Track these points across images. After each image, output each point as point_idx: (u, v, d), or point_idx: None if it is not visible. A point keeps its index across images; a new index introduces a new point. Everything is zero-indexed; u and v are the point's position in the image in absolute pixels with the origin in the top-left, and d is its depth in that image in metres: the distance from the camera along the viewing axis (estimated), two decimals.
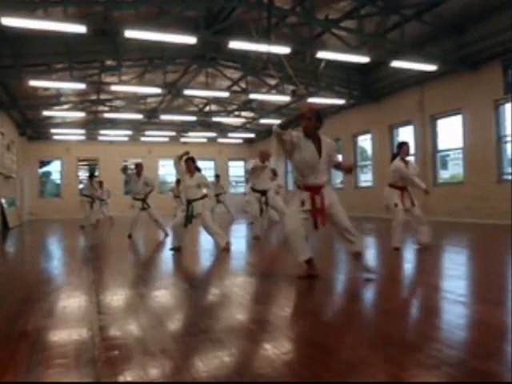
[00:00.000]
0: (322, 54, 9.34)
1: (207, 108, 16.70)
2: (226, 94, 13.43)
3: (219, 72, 12.93)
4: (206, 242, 8.63)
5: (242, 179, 22.52)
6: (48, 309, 3.25)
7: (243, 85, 13.44)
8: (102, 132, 18.78)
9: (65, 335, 2.65)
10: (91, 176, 14.36)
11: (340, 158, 4.14)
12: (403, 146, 5.95)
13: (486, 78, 10.16)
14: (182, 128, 19.43)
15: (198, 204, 6.29)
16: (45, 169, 21.35)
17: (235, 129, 20.03)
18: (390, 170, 5.91)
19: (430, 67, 10.00)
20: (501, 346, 2.33)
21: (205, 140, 21.64)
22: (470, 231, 8.99)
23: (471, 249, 6.76)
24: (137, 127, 18.75)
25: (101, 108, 16.18)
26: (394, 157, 6.02)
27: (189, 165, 6.40)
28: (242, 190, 21.04)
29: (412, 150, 12.70)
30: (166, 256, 6.16)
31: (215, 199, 14.03)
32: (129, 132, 18.99)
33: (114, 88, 11.97)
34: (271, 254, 6.59)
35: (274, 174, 10.40)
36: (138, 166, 8.73)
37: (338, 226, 4.05)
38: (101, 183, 14.94)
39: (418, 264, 5.33)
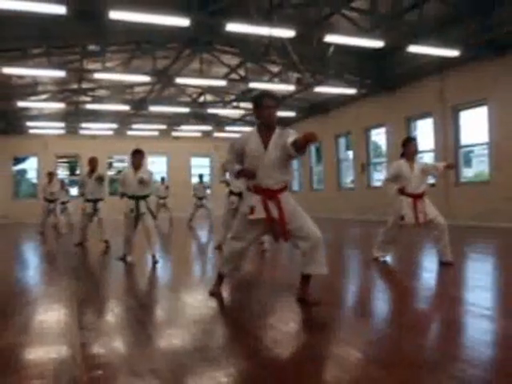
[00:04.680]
0: (330, 38, 9.32)
1: (202, 98, 16.68)
2: (222, 83, 13.41)
3: (215, 58, 12.93)
4: (196, 250, 8.65)
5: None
6: (23, 324, 3.26)
7: (242, 72, 13.44)
8: (83, 125, 18.76)
9: (42, 353, 2.66)
10: (50, 173, 13.07)
11: (293, 136, 3.46)
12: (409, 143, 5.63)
13: None
14: (174, 121, 19.43)
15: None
16: (19, 166, 21.35)
17: (233, 122, 20.04)
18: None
19: (452, 52, 9.98)
20: None
21: (199, 134, 21.64)
22: (497, 237, 8.99)
23: (498, 256, 6.76)
24: (123, 120, 18.75)
25: (82, 98, 16.16)
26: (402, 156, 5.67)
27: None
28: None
29: (431, 145, 12.73)
30: (156, 264, 6.15)
31: (197, 203, 14.14)
32: (114, 125, 18.98)
33: (97, 76, 11.96)
34: (271, 263, 6.59)
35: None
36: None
37: (300, 244, 3.60)
38: (62, 182, 14.80)
39: (438, 274, 5.33)
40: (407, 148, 5.55)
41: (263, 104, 3.61)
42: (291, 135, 3.48)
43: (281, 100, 3.73)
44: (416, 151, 5.61)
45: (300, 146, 3.32)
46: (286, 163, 3.63)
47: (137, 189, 6.19)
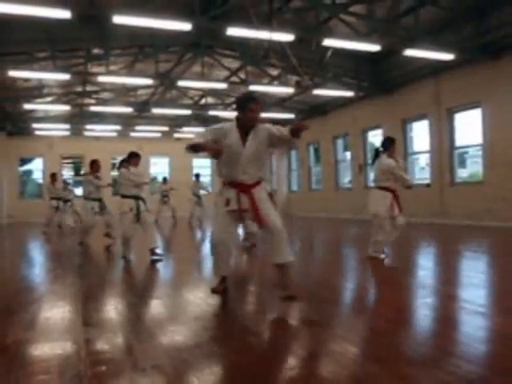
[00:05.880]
0: (328, 42, 9.33)
1: (203, 101, 16.69)
2: (223, 86, 13.40)
3: (216, 61, 12.92)
4: (197, 248, 8.64)
5: None
6: (29, 320, 3.25)
7: (242, 75, 13.44)
8: (88, 127, 18.76)
9: (47, 349, 2.65)
10: (53, 174, 13.05)
11: (283, 130, 3.58)
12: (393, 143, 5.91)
13: (508, 67, 10.14)
14: (176, 122, 19.43)
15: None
16: (25, 167, 21.34)
17: None
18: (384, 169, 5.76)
19: (447, 56, 9.99)
20: None
21: None
22: (490, 235, 8.99)
23: (492, 255, 6.76)
24: (126, 122, 18.75)
25: (87, 101, 16.15)
26: (377, 153, 5.90)
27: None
28: None
29: (427, 147, 12.74)
30: (158, 263, 6.15)
31: (195, 202, 14.19)
32: (117, 127, 18.98)
33: (101, 79, 11.95)
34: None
35: None
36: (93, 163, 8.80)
37: (264, 235, 3.79)
38: (65, 182, 14.72)
39: (433, 271, 5.33)
40: (391, 148, 5.76)
41: (248, 107, 3.65)
42: (273, 128, 3.64)
43: (265, 102, 3.72)
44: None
45: (293, 133, 3.46)
46: (263, 159, 3.75)
47: (132, 189, 6.34)
